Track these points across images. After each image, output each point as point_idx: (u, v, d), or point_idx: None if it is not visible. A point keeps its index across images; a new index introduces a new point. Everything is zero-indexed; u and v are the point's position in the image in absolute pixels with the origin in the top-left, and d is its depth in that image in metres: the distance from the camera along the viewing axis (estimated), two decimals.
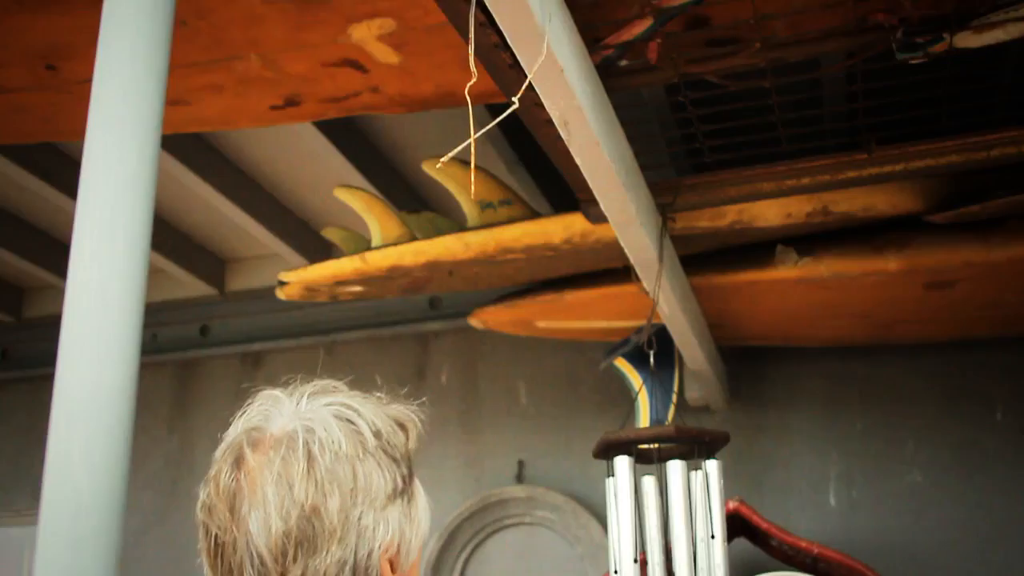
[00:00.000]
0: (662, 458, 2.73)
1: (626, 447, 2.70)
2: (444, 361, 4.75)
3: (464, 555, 4.41)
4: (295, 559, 1.16)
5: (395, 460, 1.24)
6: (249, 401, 1.29)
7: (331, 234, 3.75)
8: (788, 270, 3.39)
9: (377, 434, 1.24)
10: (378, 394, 1.33)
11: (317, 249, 4.65)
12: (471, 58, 1.69)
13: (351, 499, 1.18)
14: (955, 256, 3.27)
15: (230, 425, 1.29)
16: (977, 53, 2.50)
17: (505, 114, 2.00)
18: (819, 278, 3.40)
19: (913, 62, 2.48)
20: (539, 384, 4.60)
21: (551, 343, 4.44)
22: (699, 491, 2.70)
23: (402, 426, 1.29)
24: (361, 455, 1.21)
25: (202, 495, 1.24)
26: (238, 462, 1.22)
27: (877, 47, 2.43)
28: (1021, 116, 2.91)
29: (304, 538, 1.16)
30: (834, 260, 3.37)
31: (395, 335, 4.80)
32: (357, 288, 3.56)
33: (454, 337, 4.75)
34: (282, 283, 3.65)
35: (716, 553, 2.67)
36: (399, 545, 1.22)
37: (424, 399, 1.35)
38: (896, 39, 2.43)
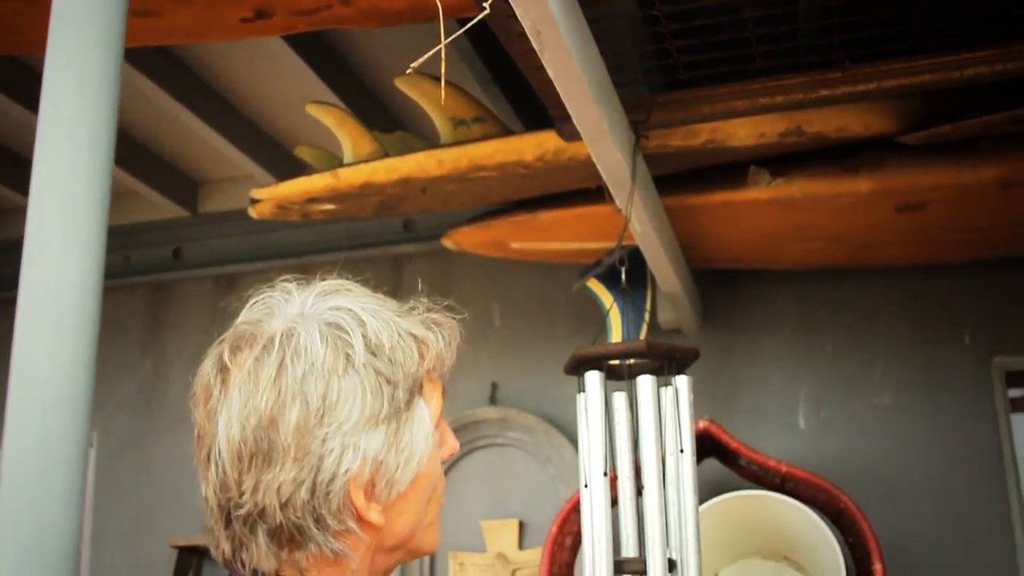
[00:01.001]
0: (632, 374, 2.74)
1: (597, 362, 2.70)
2: (418, 284, 4.74)
3: None
4: (248, 470, 1.10)
5: (390, 381, 1.14)
6: (263, 290, 1.22)
7: (303, 153, 3.72)
8: (761, 191, 3.40)
9: (375, 349, 1.15)
10: (419, 300, 1.25)
11: (290, 171, 4.58)
12: None
13: (316, 417, 1.10)
14: (926, 178, 3.28)
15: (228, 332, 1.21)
16: None
17: (476, 19, 1.99)
18: (791, 199, 3.40)
19: None
20: (513, 306, 4.62)
21: (525, 266, 4.45)
22: (669, 406, 2.71)
23: (420, 342, 1.19)
24: (342, 371, 1.12)
25: (193, 385, 1.19)
26: (220, 357, 1.16)
27: None
28: (996, 35, 2.90)
29: (258, 450, 1.10)
30: (806, 181, 3.38)
31: (369, 257, 4.79)
32: (329, 206, 3.54)
33: (428, 260, 4.74)
34: (254, 201, 3.63)
35: (685, 467, 2.69)
36: (375, 474, 1.13)
37: (465, 314, 1.27)
38: None
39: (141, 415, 5.01)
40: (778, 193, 3.39)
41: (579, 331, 4.33)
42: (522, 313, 4.59)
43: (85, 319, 1.33)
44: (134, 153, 4.68)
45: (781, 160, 3.38)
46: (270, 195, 3.54)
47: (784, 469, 3.59)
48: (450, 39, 1.94)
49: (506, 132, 3.25)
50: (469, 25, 1.98)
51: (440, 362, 1.23)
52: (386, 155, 3.33)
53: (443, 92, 1.87)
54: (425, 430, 1.19)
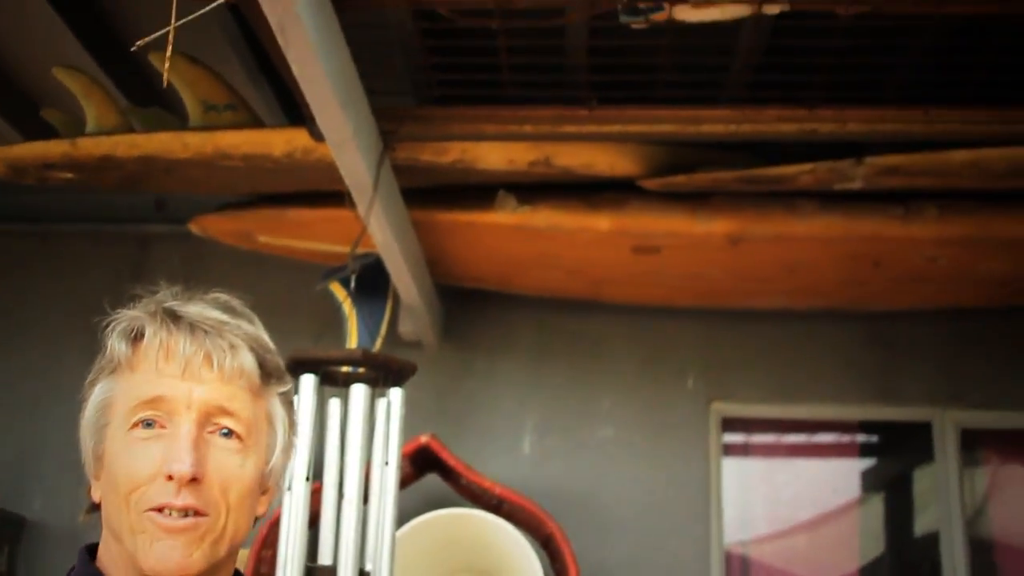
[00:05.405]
0: (348, 382, 2.74)
1: (314, 366, 2.69)
2: (163, 267, 4.59)
3: None
4: None
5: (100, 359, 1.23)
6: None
7: (50, 116, 3.56)
8: (506, 216, 3.45)
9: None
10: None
11: (42, 132, 4.37)
12: None
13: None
14: (662, 223, 3.41)
15: None
16: (708, 29, 2.60)
17: (214, 4, 1.96)
18: (535, 228, 3.48)
19: (635, 27, 2.56)
20: (257, 305, 4.48)
21: (275, 262, 4.35)
22: (381, 418, 2.73)
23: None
24: None
25: None
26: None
27: (602, 4, 2.49)
28: (737, 98, 3.04)
29: None
30: (551, 212, 3.46)
31: (117, 232, 4.60)
32: (68, 175, 3.40)
33: (178, 243, 4.56)
34: None
35: (388, 479, 2.71)
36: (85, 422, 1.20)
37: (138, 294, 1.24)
38: (622, 1, 2.50)
39: None
40: (523, 220, 3.46)
41: (322, 335, 4.27)
42: (265, 310, 4.34)
43: None
44: None
45: (530, 188, 3.45)
46: (3, 155, 3.37)
47: (498, 491, 3.65)
48: (181, 22, 1.90)
49: (258, 124, 3.20)
50: (205, 10, 1.94)
51: (112, 353, 1.19)
52: (131, 130, 3.22)
53: (166, 70, 1.83)
54: (88, 414, 1.20)
